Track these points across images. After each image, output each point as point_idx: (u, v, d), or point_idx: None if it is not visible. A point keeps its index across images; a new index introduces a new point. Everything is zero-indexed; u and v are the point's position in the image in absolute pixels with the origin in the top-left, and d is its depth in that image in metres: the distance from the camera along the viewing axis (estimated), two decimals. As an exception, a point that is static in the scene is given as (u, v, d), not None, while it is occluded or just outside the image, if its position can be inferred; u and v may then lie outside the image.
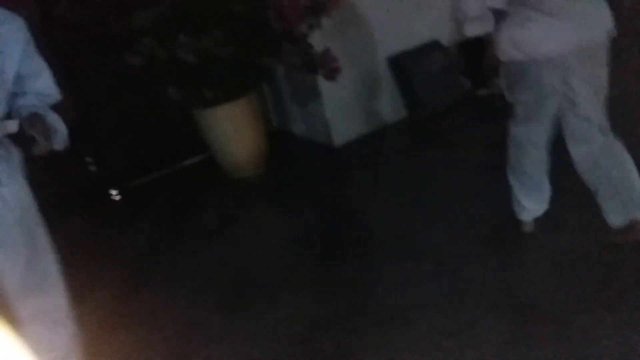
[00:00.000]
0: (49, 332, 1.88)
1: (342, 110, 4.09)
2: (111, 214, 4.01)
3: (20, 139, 1.78)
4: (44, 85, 1.87)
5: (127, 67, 3.16)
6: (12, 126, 1.70)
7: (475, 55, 2.77)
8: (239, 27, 3.16)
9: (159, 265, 3.14)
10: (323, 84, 3.79)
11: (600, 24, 2.14)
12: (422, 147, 3.89)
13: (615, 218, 2.36)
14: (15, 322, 1.76)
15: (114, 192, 4.17)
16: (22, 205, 1.80)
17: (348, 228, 3.12)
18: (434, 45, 4.31)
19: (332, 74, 3.40)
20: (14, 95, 1.81)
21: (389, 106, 4.29)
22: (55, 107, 1.88)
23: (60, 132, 1.80)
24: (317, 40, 3.46)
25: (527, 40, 2.12)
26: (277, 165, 4.02)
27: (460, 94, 4.38)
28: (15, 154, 1.83)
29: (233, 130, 3.73)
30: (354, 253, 2.86)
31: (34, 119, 1.69)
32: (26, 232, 1.80)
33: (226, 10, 3.09)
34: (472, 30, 2.28)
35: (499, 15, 2.17)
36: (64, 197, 3.77)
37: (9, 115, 1.77)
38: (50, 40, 3.62)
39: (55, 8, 3.68)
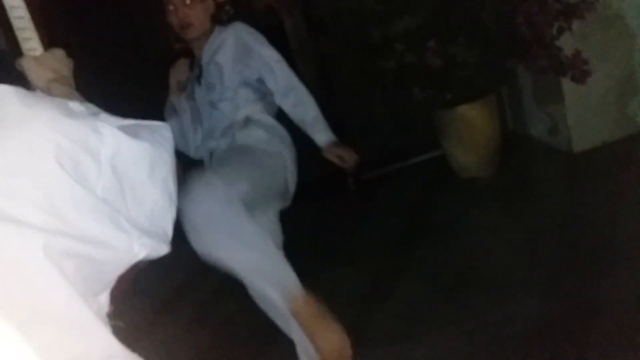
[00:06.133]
0: None
1: (586, 114, 3.86)
2: (347, 203, 4.32)
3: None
4: None
5: (380, 70, 3.43)
6: None
7: None
8: (487, 34, 3.22)
9: (390, 256, 3.35)
10: (568, 86, 3.63)
11: None
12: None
13: None
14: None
15: (350, 181, 4.49)
16: None
17: (578, 240, 2.97)
18: None
19: (581, 77, 3.26)
20: None
21: (644, 112, 3.92)
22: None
23: None
24: (568, 42, 3.34)
25: None
26: (509, 168, 3.96)
27: None
28: None
29: (467, 131, 3.80)
30: (582, 266, 2.74)
31: None
32: None
33: (476, 19, 3.17)
34: None
35: None
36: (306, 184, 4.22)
37: None
38: (312, 43, 4.12)
39: (315, 13, 4.14)
